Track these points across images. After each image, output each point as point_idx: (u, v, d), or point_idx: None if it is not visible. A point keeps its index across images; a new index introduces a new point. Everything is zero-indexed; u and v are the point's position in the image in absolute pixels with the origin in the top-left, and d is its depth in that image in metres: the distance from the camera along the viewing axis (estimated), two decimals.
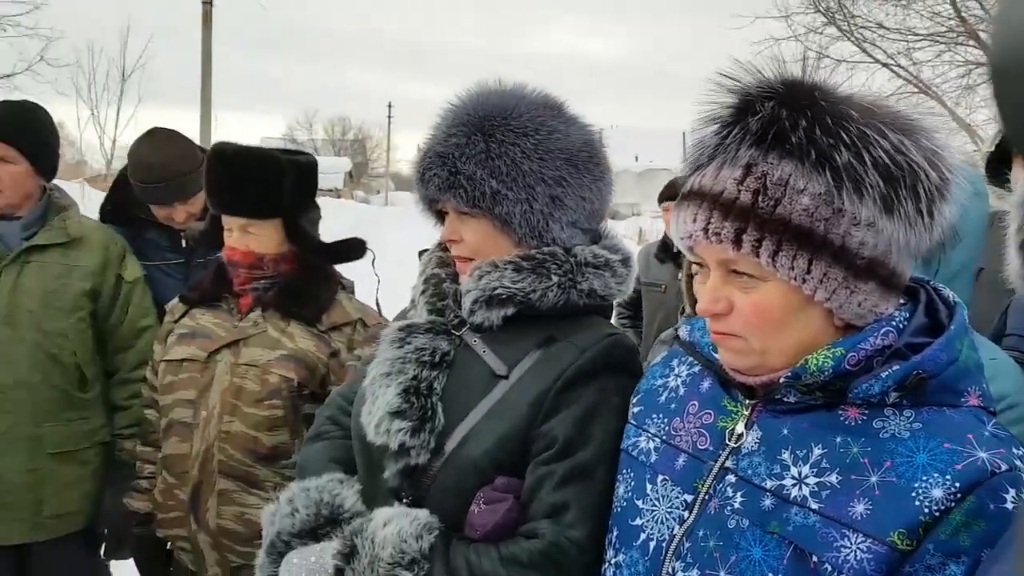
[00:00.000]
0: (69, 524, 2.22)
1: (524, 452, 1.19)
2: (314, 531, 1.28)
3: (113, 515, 2.15)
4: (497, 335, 1.26)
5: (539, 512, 1.15)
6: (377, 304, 2.13)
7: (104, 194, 2.72)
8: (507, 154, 1.24)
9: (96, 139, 18.15)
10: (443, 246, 1.38)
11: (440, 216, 1.37)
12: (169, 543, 1.96)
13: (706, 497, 1.00)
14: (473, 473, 1.19)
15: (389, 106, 60.66)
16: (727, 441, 1.02)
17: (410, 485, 1.22)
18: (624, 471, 1.15)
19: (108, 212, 2.55)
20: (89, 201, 8.71)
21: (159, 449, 1.98)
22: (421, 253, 1.46)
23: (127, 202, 2.51)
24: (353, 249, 2.02)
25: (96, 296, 2.25)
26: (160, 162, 2.39)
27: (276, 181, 1.86)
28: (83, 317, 2.22)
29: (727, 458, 1.01)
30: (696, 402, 1.09)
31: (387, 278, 2.08)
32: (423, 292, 1.35)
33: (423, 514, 1.18)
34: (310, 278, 1.94)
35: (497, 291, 1.24)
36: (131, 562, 2.16)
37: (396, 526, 1.16)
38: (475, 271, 1.27)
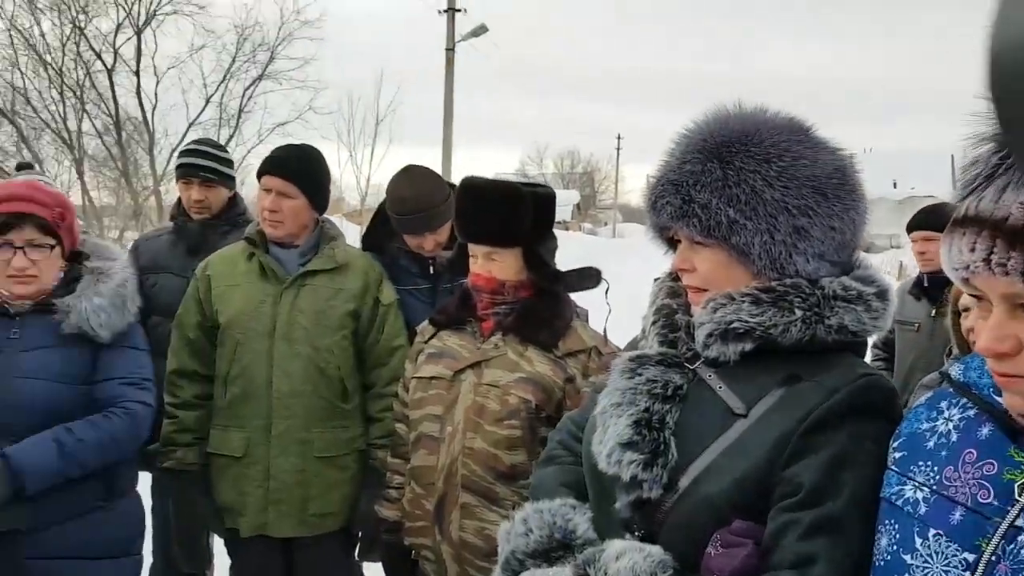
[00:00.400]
0: (329, 523, 2.46)
1: (762, 495, 1.12)
2: (547, 553, 1.29)
3: (367, 519, 2.35)
4: (734, 371, 1.21)
5: (783, 562, 1.08)
6: (605, 333, 2.15)
7: (358, 227, 3.01)
8: (746, 182, 1.19)
9: (353, 178, 20.04)
10: (674, 275, 1.36)
11: (671, 243, 1.36)
12: (414, 551, 2.08)
13: (993, 559, 0.88)
14: (708, 512, 1.14)
15: (618, 138, 61.04)
16: (1017, 496, 0.90)
17: (641, 518, 1.20)
18: (886, 521, 1.04)
19: (368, 241, 2.82)
20: (345, 233, 9.65)
21: (407, 461, 2.12)
22: (656, 280, 1.45)
23: (384, 232, 2.75)
24: (588, 278, 2.06)
25: (357, 316, 2.48)
26: (413, 196, 2.59)
27: (518, 211, 1.95)
28: (346, 335, 2.46)
29: (1017, 516, 0.89)
30: (974, 450, 0.97)
31: (613, 309, 2.10)
32: (654, 323, 1.33)
33: (656, 551, 1.15)
34: (547, 305, 2.00)
35: (734, 324, 1.19)
36: (380, 565, 2.34)
37: (629, 560, 1.14)
38: (709, 303, 1.23)
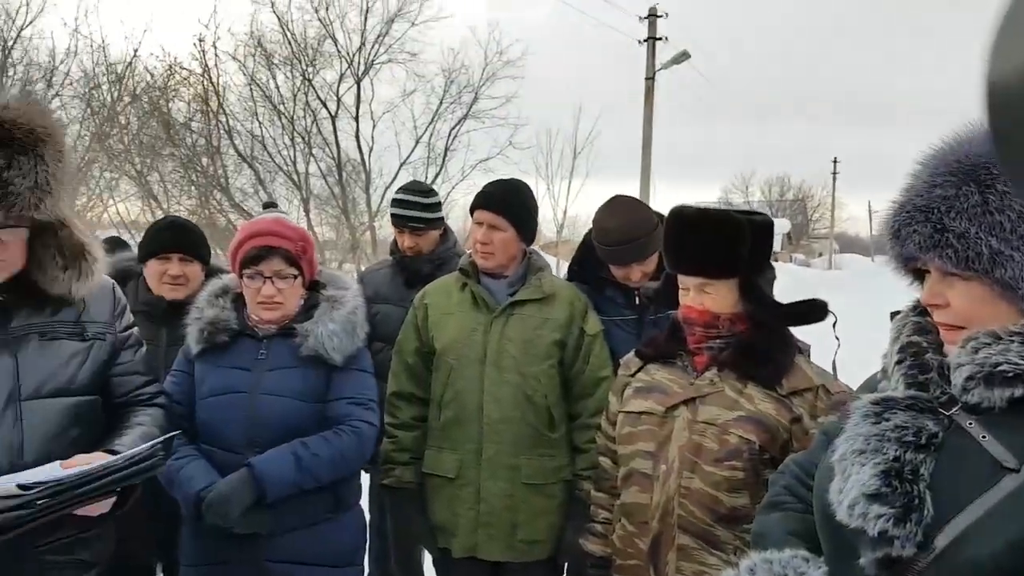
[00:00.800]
0: (537, 551, 2.48)
1: None
2: None
3: (572, 550, 2.35)
4: (1000, 419, 1.07)
5: None
6: (833, 369, 2.01)
7: (554, 259, 3.05)
8: (1012, 207, 1.07)
9: (550, 211, 20.39)
10: (920, 310, 1.24)
11: (917, 275, 1.24)
12: None
13: None
14: None
15: (834, 162, 56.87)
16: None
17: None
18: None
19: (574, 271, 2.85)
20: None
21: (612, 496, 2.09)
22: (893, 315, 1.33)
23: (590, 262, 2.77)
24: (813, 311, 1.93)
25: (563, 346, 2.51)
26: (619, 226, 2.59)
27: (733, 241, 1.88)
28: (553, 364, 2.49)
29: None
30: None
31: (829, 346, 1.96)
32: (899, 362, 1.21)
33: None
34: (767, 339, 1.90)
35: (1001, 367, 1.06)
36: None
37: None
38: (969, 342, 1.11)
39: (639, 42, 17.70)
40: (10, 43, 16.42)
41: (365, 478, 2.64)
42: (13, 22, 16.40)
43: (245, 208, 17.05)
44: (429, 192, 3.47)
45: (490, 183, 2.72)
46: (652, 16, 17.62)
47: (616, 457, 2.08)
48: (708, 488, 1.84)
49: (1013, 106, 0.41)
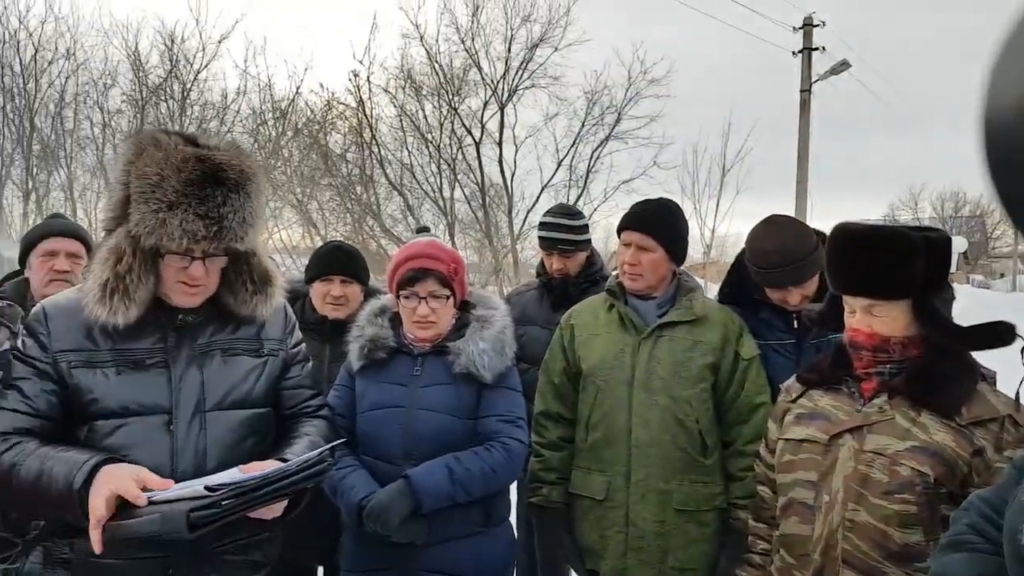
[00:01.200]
0: None
1: None
2: None
3: None
4: None
5: None
6: (1017, 398, 1.83)
7: (701, 280, 2.96)
8: None
9: (697, 230, 19.88)
10: None
11: None
12: None
13: None
14: None
15: None
16: None
17: None
18: None
19: (726, 293, 2.77)
20: None
21: (771, 526, 2.00)
22: None
23: (743, 284, 2.68)
24: (998, 334, 1.77)
25: (716, 370, 2.44)
26: (776, 247, 2.49)
27: (906, 259, 1.76)
28: (705, 388, 2.43)
29: None
30: None
31: (1017, 373, 1.77)
32: None
33: None
34: (945, 364, 1.77)
35: None
36: None
37: None
38: None
39: (793, 53, 17.01)
40: (188, 86, 18.11)
41: (513, 494, 2.66)
42: (191, 66, 18.11)
43: (395, 233, 17.84)
44: (577, 215, 3.49)
45: (638, 203, 2.69)
46: (808, 26, 16.87)
47: (775, 486, 1.99)
48: (876, 522, 1.73)
49: (1008, 139, 0.41)
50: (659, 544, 2.40)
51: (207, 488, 1.56)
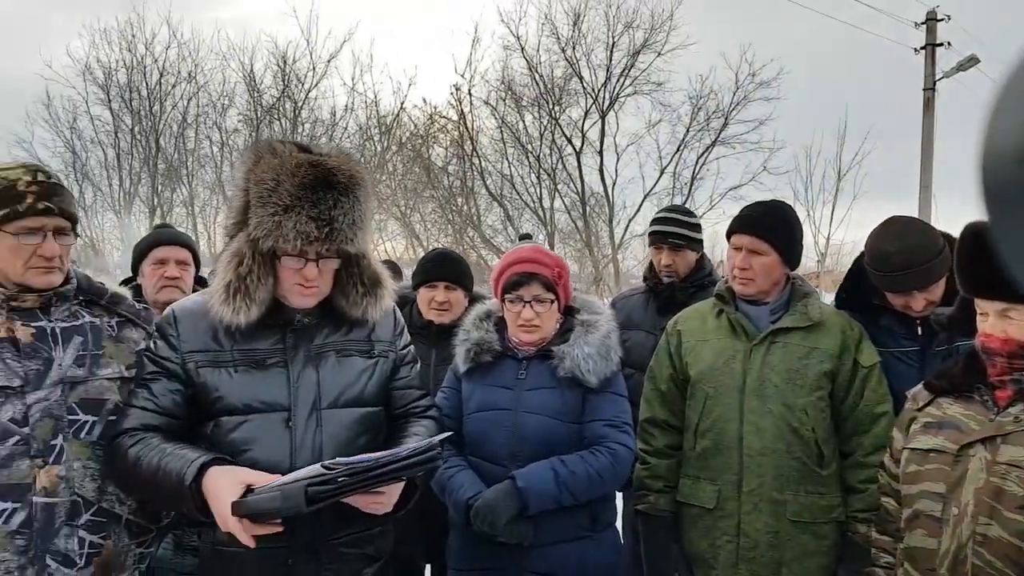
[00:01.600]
0: None
1: None
2: None
3: None
4: None
5: None
6: None
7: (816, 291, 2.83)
8: None
9: (810, 238, 18.80)
10: None
11: None
12: None
13: None
14: None
15: None
16: None
17: None
18: None
19: (843, 298, 2.65)
20: None
21: (895, 539, 1.91)
22: None
23: (862, 289, 2.56)
24: None
25: (833, 378, 2.34)
26: (900, 250, 2.36)
27: None
28: (821, 396, 2.33)
29: None
30: None
31: None
32: None
33: None
34: None
35: None
36: None
37: None
38: None
39: (915, 50, 16.04)
40: (299, 104, 18.95)
41: (619, 500, 2.63)
42: (302, 85, 18.94)
43: (495, 244, 18.04)
44: (691, 213, 3.46)
45: (749, 205, 2.62)
46: (931, 20, 15.85)
47: (899, 497, 1.90)
48: (1011, 538, 1.62)
49: (1006, 182, 0.41)
50: (772, 555, 2.32)
51: (324, 467, 1.63)
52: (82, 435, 1.86)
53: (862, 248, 2.52)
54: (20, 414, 1.79)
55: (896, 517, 1.93)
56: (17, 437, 1.78)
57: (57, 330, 1.88)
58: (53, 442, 1.81)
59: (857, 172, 18.25)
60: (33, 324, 1.86)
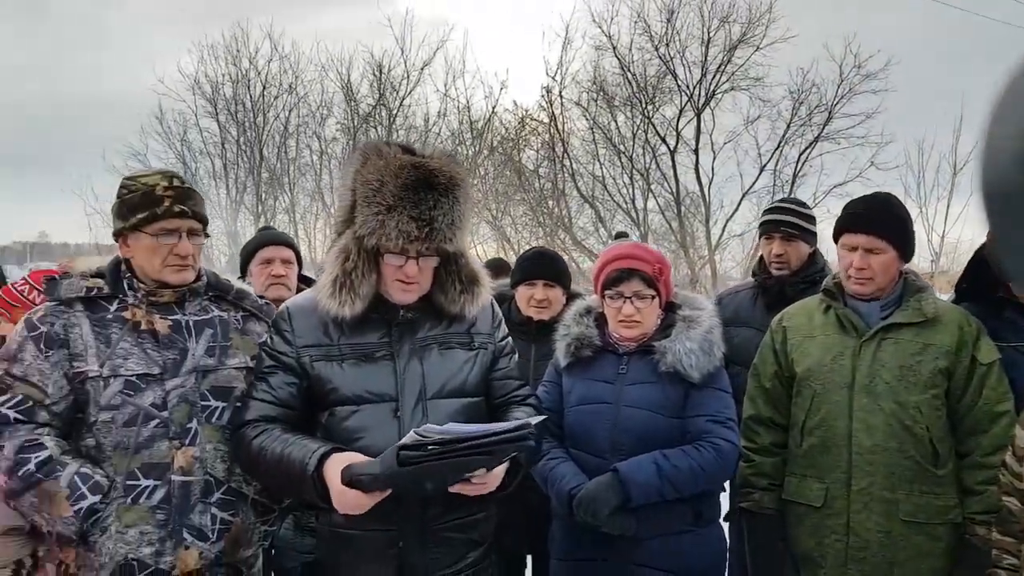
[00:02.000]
0: None
1: None
2: None
3: None
4: None
5: None
6: None
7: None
8: None
9: (924, 236, 17.62)
10: None
11: None
12: None
13: None
14: None
15: None
16: None
17: None
18: None
19: (963, 291, 2.54)
20: None
21: (1019, 540, 1.84)
22: None
23: (983, 281, 2.45)
24: None
25: (950, 375, 2.26)
26: None
27: None
28: (937, 395, 2.25)
29: None
30: None
31: None
32: None
33: None
34: None
35: None
36: None
37: None
38: None
39: None
40: (394, 112, 19.41)
41: (724, 497, 2.60)
42: (397, 93, 19.39)
43: (586, 246, 17.97)
44: (805, 205, 3.34)
45: (854, 202, 2.54)
46: None
47: (1023, 497, 1.81)
48: None
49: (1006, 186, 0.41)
50: (884, 556, 2.25)
51: (417, 434, 1.71)
52: (213, 419, 2.00)
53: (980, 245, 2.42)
54: (160, 399, 1.95)
55: (1020, 518, 1.85)
56: (157, 420, 1.94)
57: (191, 323, 2.03)
58: (189, 425, 1.96)
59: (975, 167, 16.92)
60: (170, 317, 2.01)
